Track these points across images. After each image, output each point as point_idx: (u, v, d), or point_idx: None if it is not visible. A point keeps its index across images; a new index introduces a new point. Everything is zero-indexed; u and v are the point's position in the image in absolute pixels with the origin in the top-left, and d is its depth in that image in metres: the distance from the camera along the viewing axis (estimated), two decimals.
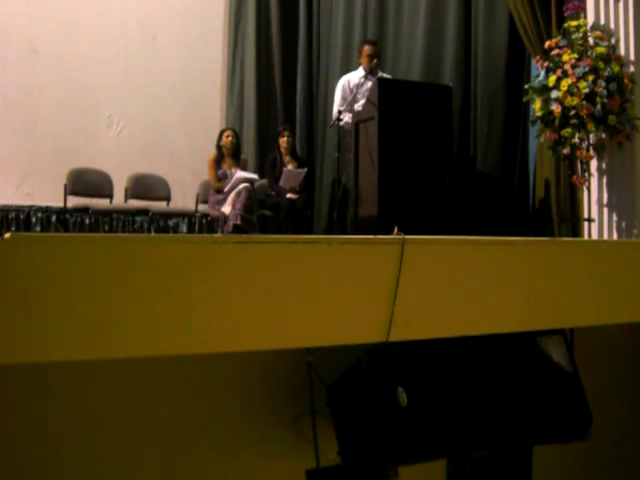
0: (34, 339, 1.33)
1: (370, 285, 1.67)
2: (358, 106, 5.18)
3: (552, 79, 3.87)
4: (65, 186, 5.74)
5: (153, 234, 5.81)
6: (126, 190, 6.16)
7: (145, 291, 1.43)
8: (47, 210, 6.24)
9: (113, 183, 6.15)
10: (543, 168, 4.53)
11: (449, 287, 1.79)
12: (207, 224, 6.13)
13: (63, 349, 1.36)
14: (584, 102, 3.75)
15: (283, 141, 6.19)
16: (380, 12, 6.08)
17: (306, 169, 6.17)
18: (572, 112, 3.80)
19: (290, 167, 6.13)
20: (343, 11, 6.48)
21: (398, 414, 1.72)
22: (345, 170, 5.19)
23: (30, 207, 6.24)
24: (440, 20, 5.48)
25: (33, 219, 6.21)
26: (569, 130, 3.84)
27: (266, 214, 6.00)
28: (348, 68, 6.14)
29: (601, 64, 3.79)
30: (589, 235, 4.04)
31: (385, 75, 5.42)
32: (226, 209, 5.67)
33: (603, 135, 3.87)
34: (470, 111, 5.23)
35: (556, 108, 3.83)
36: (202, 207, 6.24)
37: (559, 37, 3.98)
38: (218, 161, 6.08)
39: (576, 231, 4.25)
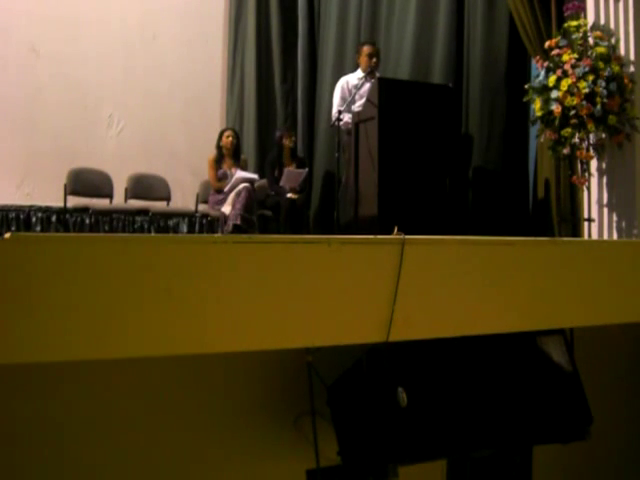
0: (34, 339, 1.33)
1: (370, 285, 1.67)
2: (356, 107, 5.19)
3: (552, 79, 3.87)
4: (65, 186, 5.74)
5: (153, 234, 5.82)
6: (126, 190, 6.16)
7: (145, 291, 1.43)
8: (47, 210, 6.24)
9: (113, 183, 6.15)
10: (543, 168, 4.53)
11: (449, 287, 1.79)
12: (207, 224, 6.14)
13: (63, 349, 1.36)
14: (584, 102, 3.76)
15: (290, 141, 6.18)
16: (373, 14, 6.09)
17: (307, 169, 6.18)
18: (572, 112, 3.80)
19: (291, 167, 6.13)
20: (336, 12, 6.50)
21: (398, 414, 1.72)
22: (345, 170, 5.19)
23: (30, 207, 6.25)
24: (432, 20, 5.49)
25: (33, 219, 6.21)
26: (569, 130, 3.84)
27: (266, 214, 6.00)
28: (341, 69, 6.16)
29: (601, 64, 3.79)
30: (589, 235, 4.04)
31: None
32: (226, 209, 5.67)
33: (603, 135, 3.88)
34: (462, 110, 5.23)
35: (556, 108, 3.83)
36: (202, 207, 6.24)
37: (559, 37, 3.98)
38: (218, 161, 6.08)
39: (576, 231, 4.25)
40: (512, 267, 1.90)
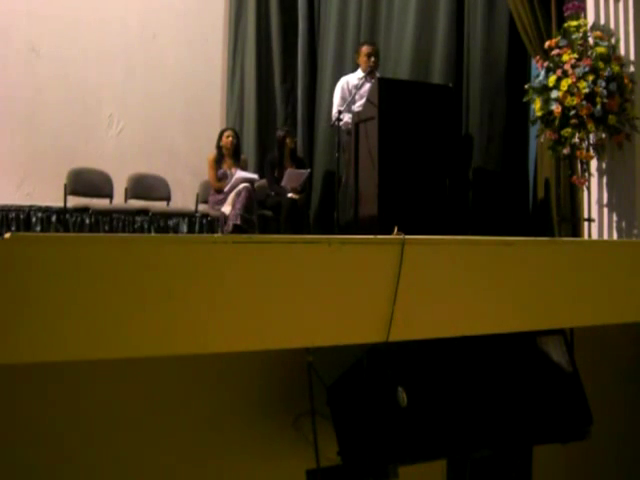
0: (34, 339, 1.33)
1: (370, 285, 1.67)
2: (356, 107, 5.19)
3: (552, 79, 3.87)
4: (65, 186, 5.74)
5: (153, 234, 5.82)
6: (126, 190, 6.16)
7: (145, 291, 1.43)
8: (47, 210, 6.24)
9: (113, 183, 6.15)
10: (543, 168, 4.53)
11: (449, 287, 1.79)
12: (207, 224, 6.14)
13: (63, 349, 1.36)
14: (584, 102, 3.76)
15: (291, 141, 6.18)
16: (373, 14, 6.10)
17: (309, 170, 6.18)
18: (572, 112, 3.80)
19: (291, 168, 6.13)
20: (336, 12, 6.51)
21: (398, 414, 1.72)
22: (345, 170, 5.19)
23: (30, 207, 6.24)
24: (432, 20, 5.49)
25: (33, 219, 6.21)
26: (569, 130, 3.84)
27: (266, 214, 6.00)
28: (341, 69, 6.17)
29: (601, 64, 3.79)
30: (589, 235, 4.04)
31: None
32: (226, 209, 5.67)
33: (603, 135, 3.88)
34: (462, 111, 5.23)
35: (556, 108, 3.83)
36: (202, 207, 6.24)
37: (559, 37, 3.98)
38: (218, 161, 6.08)
39: (576, 231, 4.25)
40: (512, 267, 1.90)
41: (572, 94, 3.78)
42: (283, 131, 6.30)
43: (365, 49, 5.46)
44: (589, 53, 3.85)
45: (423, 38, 5.53)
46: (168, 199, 6.35)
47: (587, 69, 3.78)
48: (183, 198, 6.59)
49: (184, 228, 6.53)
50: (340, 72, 6.05)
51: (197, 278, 1.47)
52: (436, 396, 1.80)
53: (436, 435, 1.78)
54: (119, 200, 6.12)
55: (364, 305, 1.67)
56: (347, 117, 5.19)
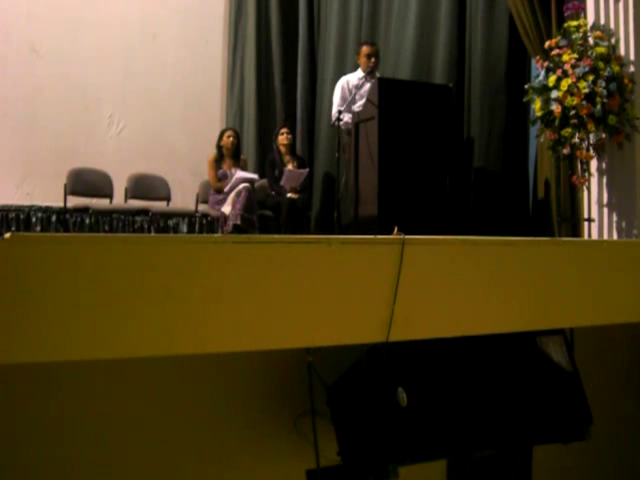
0: (34, 339, 1.33)
1: (370, 285, 1.67)
2: (356, 107, 5.19)
3: (552, 79, 3.87)
4: (65, 186, 5.75)
5: (153, 234, 5.81)
6: (126, 190, 6.16)
7: (145, 291, 1.43)
8: (47, 210, 6.24)
9: (113, 183, 6.15)
10: (543, 168, 4.53)
11: (449, 287, 1.79)
12: (207, 224, 6.14)
13: (63, 349, 1.36)
14: (584, 102, 3.76)
15: (282, 139, 6.19)
16: (373, 14, 6.10)
17: (308, 169, 6.18)
18: (572, 112, 3.80)
19: (290, 167, 6.13)
20: (337, 12, 6.51)
21: (398, 414, 1.72)
22: (345, 170, 5.19)
23: (30, 207, 6.25)
24: (432, 20, 5.49)
25: (33, 219, 6.21)
26: (569, 130, 3.84)
27: (266, 214, 6.00)
28: (341, 68, 6.17)
29: (601, 64, 3.79)
30: (589, 235, 4.04)
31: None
32: (226, 209, 5.67)
33: (603, 135, 3.88)
34: (464, 111, 5.23)
35: (556, 108, 3.83)
36: (202, 207, 6.24)
37: (559, 37, 3.98)
38: (218, 161, 6.09)
39: (576, 231, 4.25)
40: (512, 267, 1.90)
41: (572, 94, 3.78)
42: (277, 129, 6.36)
43: (365, 49, 5.46)
44: (589, 53, 3.85)
45: (423, 38, 5.53)
46: (168, 199, 6.35)
47: (587, 69, 3.78)
48: (183, 198, 6.59)
49: (184, 228, 6.53)
50: (340, 72, 6.06)
51: (197, 278, 1.47)
52: (436, 396, 1.80)
53: (436, 435, 1.78)
54: (119, 200, 6.12)
55: (364, 305, 1.66)
56: (347, 117, 5.19)
